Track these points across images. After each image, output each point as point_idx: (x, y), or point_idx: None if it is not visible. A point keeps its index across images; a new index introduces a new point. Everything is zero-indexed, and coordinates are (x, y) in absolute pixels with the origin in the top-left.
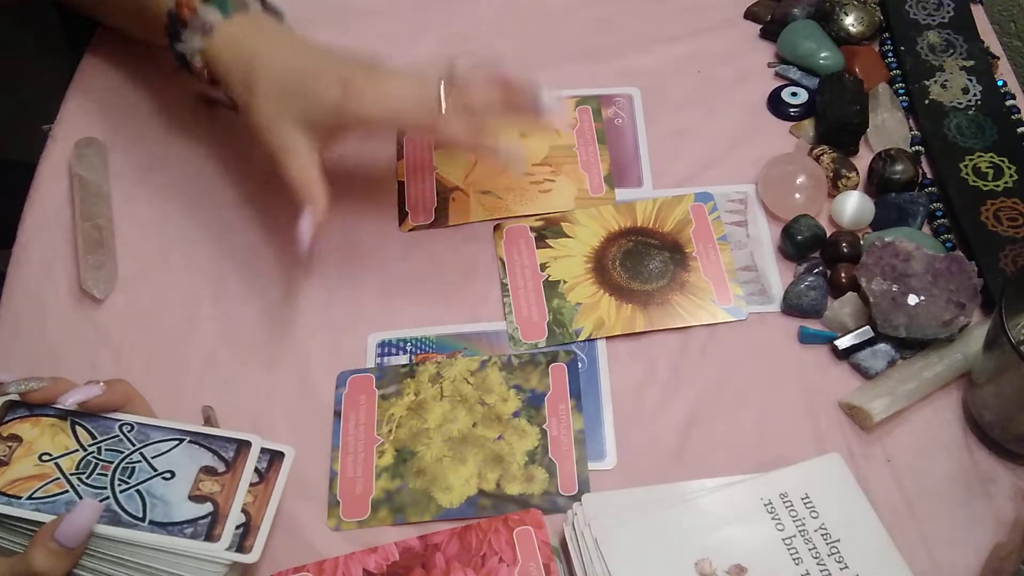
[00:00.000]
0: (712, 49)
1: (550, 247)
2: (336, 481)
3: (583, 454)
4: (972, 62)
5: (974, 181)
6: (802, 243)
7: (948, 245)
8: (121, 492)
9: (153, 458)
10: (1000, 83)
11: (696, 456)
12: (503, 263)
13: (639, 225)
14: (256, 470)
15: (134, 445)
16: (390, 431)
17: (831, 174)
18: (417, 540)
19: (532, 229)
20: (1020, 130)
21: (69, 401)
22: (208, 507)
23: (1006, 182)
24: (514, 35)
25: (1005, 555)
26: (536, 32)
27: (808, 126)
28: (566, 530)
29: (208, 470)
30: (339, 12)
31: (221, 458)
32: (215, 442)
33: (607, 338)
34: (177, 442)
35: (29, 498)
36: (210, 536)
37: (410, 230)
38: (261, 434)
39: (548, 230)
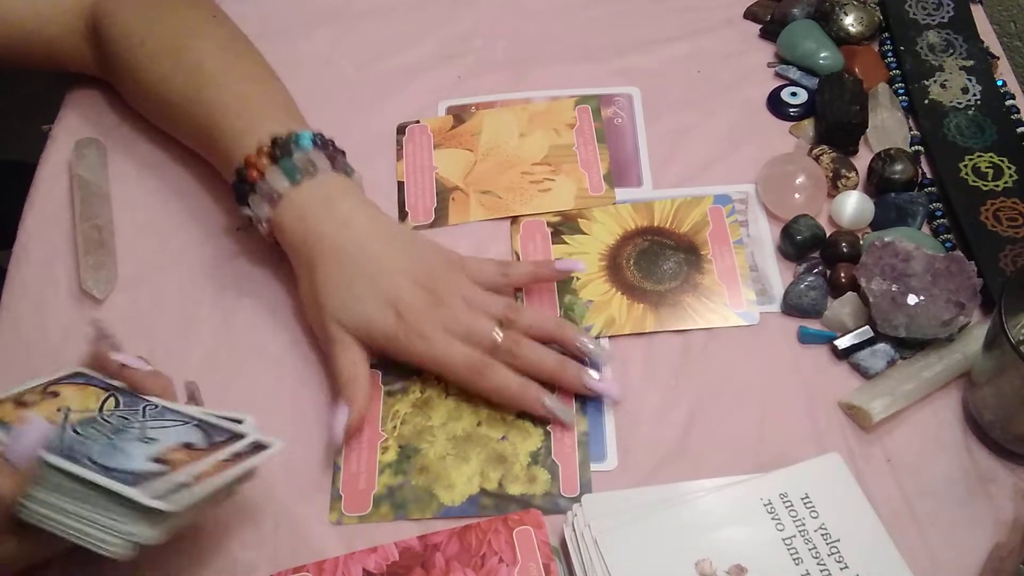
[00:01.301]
0: (712, 49)
1: (565, 243)
2: (339, 475)
3: (586, 456)
4: (972, 62)
5: (974, 181)
6: (802, 243)
7: (948, 245)
8: (96, 440)
9: (149, 427)
10: (1000, 83)
11: (696, 456)
12: (518, 257)
13: (656, 225)
14: (236, 454)
15: (142, 420)
16: (394, 428)
17: (831, 174)
18: (417, 540)
19: (549, 224)
20: (1020, 130)
21: (117, 357)
22: (162, 467)
23: (1006, 182)
24: (514, 35)
25: (1005, 555)
26: (536, 32)
27: (808, 126)
28: (566, 530)
29: (186, 445)
30: (339, 12)
31: (208, 439)
32: (216, 429)
33: (610, 337)
34: (184, 423)
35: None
36: (137, 484)
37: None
38: (260, 425)
39: (564, 226)
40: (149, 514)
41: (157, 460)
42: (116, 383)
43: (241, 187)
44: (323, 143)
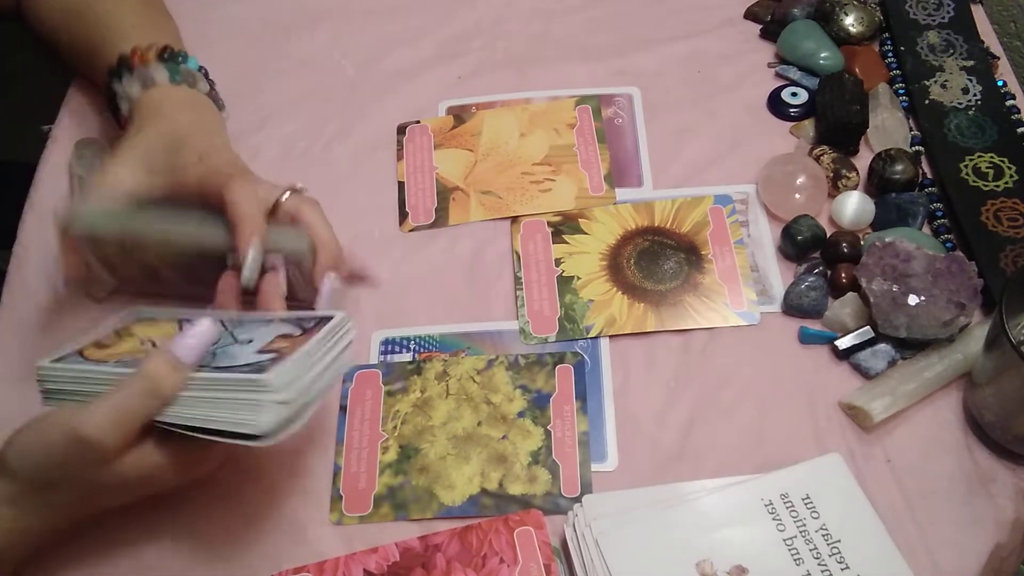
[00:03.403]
0: (712, 49)
1: (566, 243)
2: (339, 476)
3: (587, 456)
4: (972, 62)
5: (974, 181)
6: (802, 243)
7: (948, 245)
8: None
9: (237, 331)
10: (1000, 83)
11: (697, 457)
12: (518, 256)
13: (656, 225)
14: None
15: (227, 331)
16: (395, 427)
17: (831, 174)
18: (417, 540)
19: (549, 224)
20: (1020, 130)
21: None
22: (269, 357)
23: (1006, 182)
24: (514, 35)
25: (1005, 555)
26: (536, 32)
27: (808, 126)
28: (567, 531)
29: (283, 336)
30: (339, 12)
31: (301, 327)
32: (302, 320)
33: (610, 337)
34: (267, 323)
35: (116, 362)
36: (261, 370)
37: (410, 230)
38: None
39: (565, 226)
40: (278, 402)
41: (262, 351)
42: (182, 314)
43: (118, 70)
44: (208, 78)
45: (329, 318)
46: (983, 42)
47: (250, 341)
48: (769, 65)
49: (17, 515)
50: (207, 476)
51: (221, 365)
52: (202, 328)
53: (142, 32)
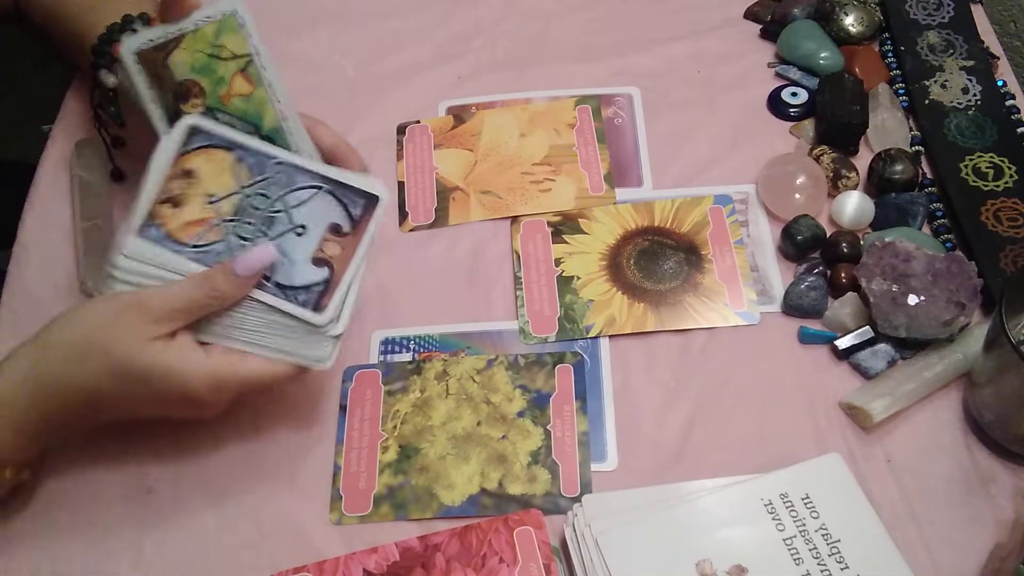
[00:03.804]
0: (712, 49)
1: (566, 243)
2: (339, 475)
3: (587, 456)
4: (972, 62)
5: (974, 181)
6: (802, 243)
7: (948, 245)
8: (256, 238)
9: (293, 208)
10: (1000, 83)
11: (696, 457)
12: (518, 256)
13: (656, 225)
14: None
15: (281, 190)
16: (395, 427)
17: (831, 174)
18: (417, 540)
19: (549, 224)
20: (1020, 130)
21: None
22: (324, 272)
23: (1006, 182)
24: (514, 35)
25: (1005, 555)
26: (536, 32)
27: (808, 126)
28: (567, 531)
29: (335, 229)
30: (340, 12)
31: (349, 215)
32: (347, 194)
33: (610, 337)
34: (316, 190)
35: (192, 247)
36: (318, 306)
37: (410, 230)
38: (260, 425)
39: (565, 226)
40: (334, 336)
41: (316, 261)
42: (231, 135)
43: (114, 26)
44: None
45: (374, 202)
46: (983, 42)
47: (303, 228)
48: (769, 65)
49: (33, 395)
50: (232, 405)
51: (281, 283)
52: (266, 255)
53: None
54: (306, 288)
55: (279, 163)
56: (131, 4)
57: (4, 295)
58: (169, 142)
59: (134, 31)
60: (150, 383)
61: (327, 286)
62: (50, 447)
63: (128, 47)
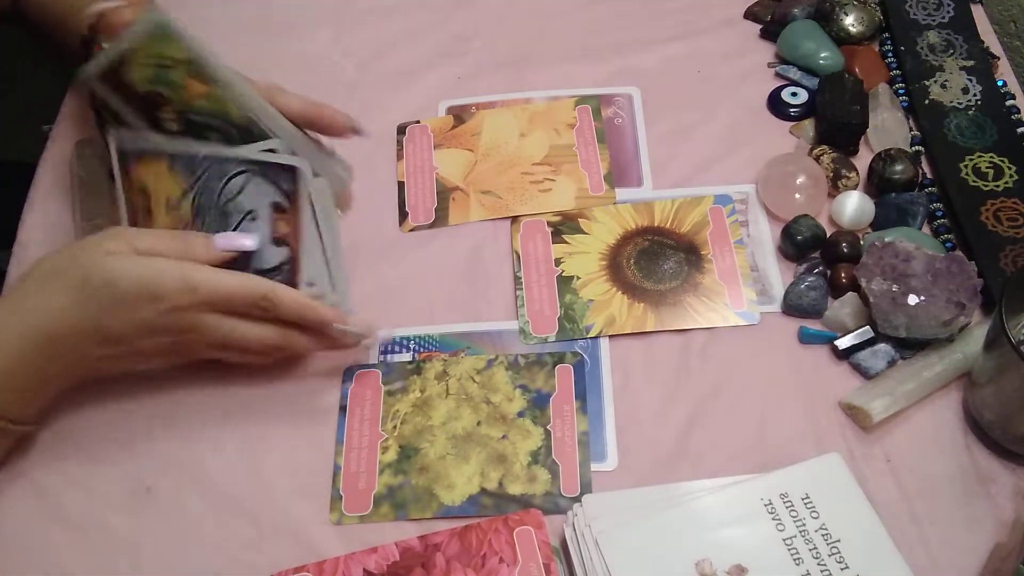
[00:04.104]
0: (712, 49)
1: (566, 243)
2: (339, 476)
3: (587, 456)
4: (972, 62)
5: (974, 181)
6: (802, 243)
7: (948, 245)
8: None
9: (237, 196)
10: (1000, 83)
11: (696, 457)
12: (518, 256)
13: (656, 225)
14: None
15: (218, 183)
16: (395, 427)
17: (831, 174)
18: (417, 540)
19: (549, 224)
20: (1020, 130)
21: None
22: (285, 252)
23: (1006, 182)
24: (514, 35)
25: (1005, 555)
26: (536, 32)
27: (808, 126)
28: (566, 530)
29: (277, 207)
30: (340, 12)
31: (281, 191)
32: (271, 171)
33: (610, 337)
34: (246, 174)
35: None
36: (292, 284)
37: (410, 231)
38: (260, 425)
39: (565, 225)
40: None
41: (276, 241)
42: (155, 142)
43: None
44: None
45: (296, 172)
46: (983, 42)
47: (252, 213)
48: (769, 65)
49: (21, 349)
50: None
51: (260, 268)
52: (247, 240)
53: None
54: (277, 268)
55: (204, 157)
56: None
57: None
58: (112, 161)
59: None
60: (116, 286)
61: (292, 264)
62: (53, 395)
63: (88, 73)
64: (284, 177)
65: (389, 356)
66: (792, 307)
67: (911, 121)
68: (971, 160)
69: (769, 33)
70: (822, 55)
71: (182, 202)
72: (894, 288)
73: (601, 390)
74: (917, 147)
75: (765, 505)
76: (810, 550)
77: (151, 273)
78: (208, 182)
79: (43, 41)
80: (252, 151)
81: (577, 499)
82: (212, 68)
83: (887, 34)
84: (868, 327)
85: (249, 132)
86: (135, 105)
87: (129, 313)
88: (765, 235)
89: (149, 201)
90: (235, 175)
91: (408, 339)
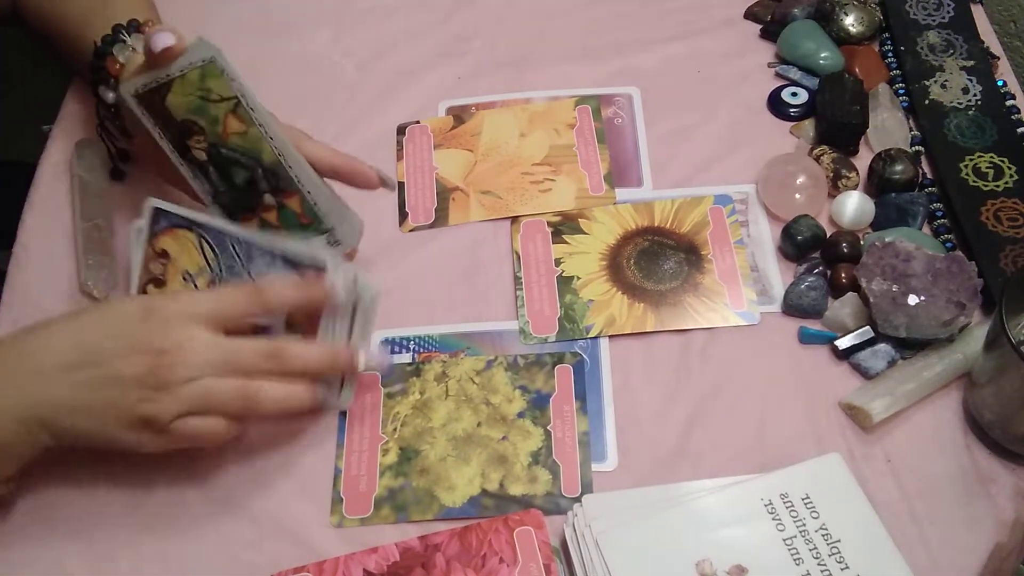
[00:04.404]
0: (712, 49)
1: (566, 243)
2: (340, 478)
3: (587, 456)
4: (972, 62)
5: (974, 181)
6: (802, 243)
7: (948, 245)
8: None
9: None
10: (1000, 83)
11: (696, 456)
12: (518, 256)
13: (656, 225)
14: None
15: (243, 265)
16: (395, 429)
17: (831, 174)
18: (417, 540)
19: (549, 224)
20: (1020, 130)
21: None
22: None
23: (1006, 182)
24: (514, 35)
25: (1005, 555)
26: (536, 32)
27: (808, 126)
28: (567, 531)
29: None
30: (339, 12)
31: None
32: (301, 265)
33: (610, 337)
34: (271, 260)
35: None
36: None
37: (410, 231)
38: (261, 427)
39: (565, 226)
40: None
41: (288, 327)
42: (190, 215)
43: (106, 38)
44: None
45: (323, 268)
46: (983, 42)
47: None
48: (769, 65)
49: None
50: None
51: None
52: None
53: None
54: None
55: (236, 240)
56: (124, 9)
57: (4, 295)
58: (142, 224)
59: (123, 42)
60: (78, 316)
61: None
62: (31, 462)
63: (127, 90)
64: (309, 270)
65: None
66: (792, 307)
67: (911, 121)
68: (971, 160)
69: (769, 33)
70: (822, 55)
71: (200, 276)
72: (894, 288)
73: (601, 390)
74: (917, 147)
75: (765, 505)
76: (810, 550)
77: (110, 305)
78: (232, 262)
79: (44, 43)
80: (287, 243)
81: (578, 499)
82: (255, 111)
83: (887, 34)
84: (868, 327)
85: (275, 175)
86: (168, 129)
87: (97, 351)
88: (765, 235)
89: (166, 268)
90: (261, 259)
91: (408, 339)
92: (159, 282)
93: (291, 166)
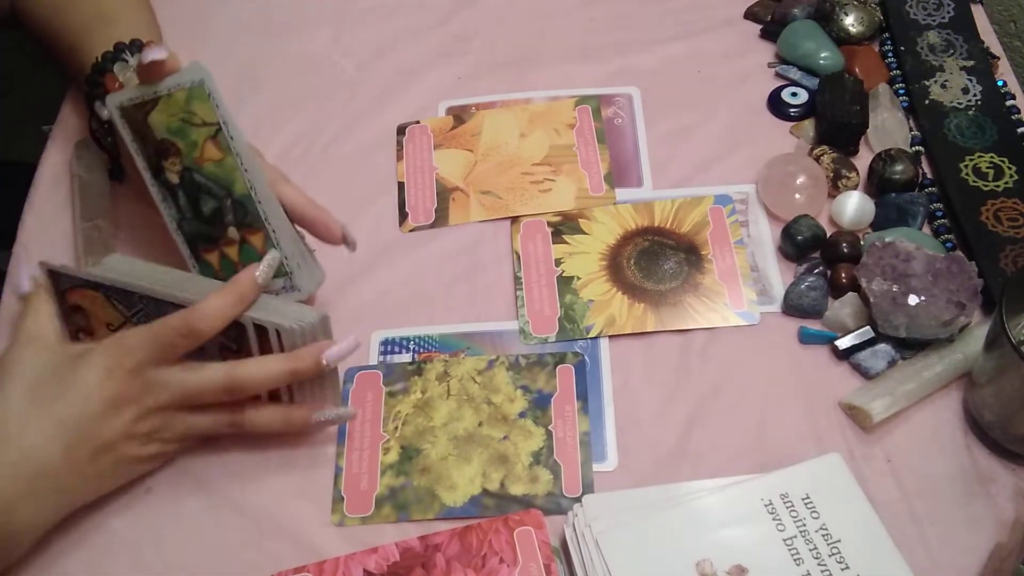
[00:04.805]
0: (712, 49)
1: (566, 243)
2: (341, 477)
3: (588, 456)
4: (972, 62)
5: (974, 181)
6: (802, 243)
7: (948, 245)
8: None
9: None
10: (1000, 83)
11: (696, 456)
12: (518, 256)
13: (656, 225)
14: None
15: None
16: (396, 428)
17: (831, 174)
18: (417, 540)
19: (549, 224)
20: (1020, 130)
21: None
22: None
23: (1006, 182)
24: (514, 35)
25: (1005, 555)
26: (536, 32)
27: (808, 126)
28: (567, 531)
29: (223, 348)
30: (339, 12)
31: (230, 338)
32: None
33: (610, 337)
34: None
35: None
36: None
37: (410, 231)
38: (260, 433)
39: (565, 226)
40: None
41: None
42: (89, 276)
43: (107, 54)
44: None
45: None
46: (983, 42)
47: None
48: (769, 65)
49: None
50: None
51: None
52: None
53: (119, 28)
54: None
55: (141, 297)
56: (125, 27)
57: (4, 295)
58: (41, 289)
59: (125, 61)
60: (39, 396)
61: None
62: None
63: (112, 102)
64: (230, 330)
65: (389, 357)
66: (792, 307)
67: (911, 121)
68: (971, 160)
69: (769, 33)
70: (822, 55)
71: (121, 328)
72: (894, 288)
73: (601, 390)
74: (917, 147)
75: (765, 505)
76: (810, 550)
77: (76, 370)
78: (143, 317)
79: (42, 48)
80: (188, 293)
81: (579, 499)
82: (234, 140)
83: (887, 34)
84: (868, 327)
85: (244, 208)
86: (145, 144)
87: (71, 414)
88: (765, 235)
89: (89, 320)
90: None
91: (408, 339)
92: (88, 330)
93: (260, 201)
